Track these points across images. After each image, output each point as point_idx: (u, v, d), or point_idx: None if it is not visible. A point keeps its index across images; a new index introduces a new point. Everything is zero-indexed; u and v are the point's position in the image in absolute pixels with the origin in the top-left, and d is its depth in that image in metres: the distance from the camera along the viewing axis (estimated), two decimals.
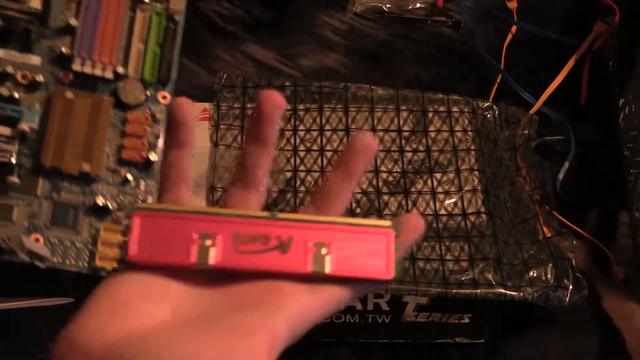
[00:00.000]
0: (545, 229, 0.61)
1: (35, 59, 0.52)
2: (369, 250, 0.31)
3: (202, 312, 0.29)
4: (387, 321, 0.57)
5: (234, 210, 0.32)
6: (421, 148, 0.62)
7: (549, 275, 0.57)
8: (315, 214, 0.33)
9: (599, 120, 0.70)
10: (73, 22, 0.51)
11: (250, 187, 0.33)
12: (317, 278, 0.31)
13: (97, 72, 0.52)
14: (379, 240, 0.31)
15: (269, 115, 0.32)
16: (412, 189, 0.60)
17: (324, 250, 0.31)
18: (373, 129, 0.62)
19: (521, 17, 0.74)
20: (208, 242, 0.30)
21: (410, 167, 0.61)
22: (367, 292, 0.32)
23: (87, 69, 0.52)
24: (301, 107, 0.63)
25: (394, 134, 0.62)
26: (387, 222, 0.31)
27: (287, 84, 0.65)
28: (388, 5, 0.75)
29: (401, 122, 0.63)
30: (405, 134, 0.62)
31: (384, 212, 0.59)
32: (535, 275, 0.57)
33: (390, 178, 0.60)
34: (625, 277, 0.62)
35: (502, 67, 0.70)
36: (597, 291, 0.62)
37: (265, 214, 0.31)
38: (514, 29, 0.73)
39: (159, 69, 0.52)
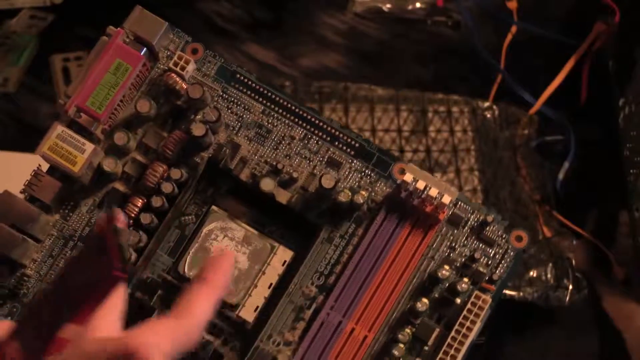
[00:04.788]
0: (545, 229, 0.61)
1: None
2: None
3: None
4: None
5: None
6: (421, 148, 0.62)
7: (548, 275, 0.57)
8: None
9: (599, 120, 0.70)
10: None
11: None
12: None
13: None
14: None
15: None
16: None
17: None
18: (373, 129, 0.62)
19: (521, 17, 0.74)
20: None
21: None
22: None
23: None
24: None
25: (394, 134, 0.62)
26: None
27: (287, 83, 0.64)
28: (388, 6, 0.75)
29: (401, 122, 0.63)
30: (405, 134, 0.62)
31: None
32: (535, 275, 0.57)
33: None
34: (625, 277, 0.62)
35: (502, 67, 0.70)
36: (597, 291, 0.62)
37: None
38: (514, 29, 0.73)
39: None
